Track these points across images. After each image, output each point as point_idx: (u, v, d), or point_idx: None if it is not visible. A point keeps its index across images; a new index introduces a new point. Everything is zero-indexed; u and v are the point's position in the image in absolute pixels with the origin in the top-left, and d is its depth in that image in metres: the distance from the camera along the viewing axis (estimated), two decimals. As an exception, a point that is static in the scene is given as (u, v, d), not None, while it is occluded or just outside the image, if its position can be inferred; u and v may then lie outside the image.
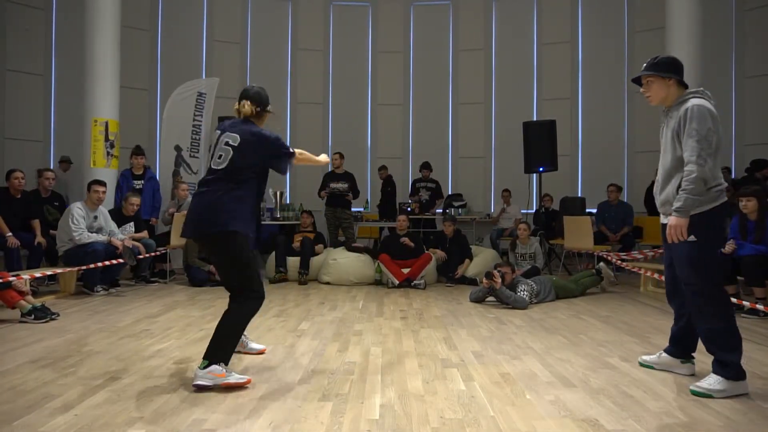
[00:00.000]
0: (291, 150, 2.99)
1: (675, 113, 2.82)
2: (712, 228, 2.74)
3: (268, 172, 3.05)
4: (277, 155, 2.95)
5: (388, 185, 9.51)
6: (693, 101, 2.76)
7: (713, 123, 2.69)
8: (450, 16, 11.08)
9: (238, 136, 2.90)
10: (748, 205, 5.02)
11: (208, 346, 2.80)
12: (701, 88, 2.86)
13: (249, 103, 3.02)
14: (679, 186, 2.74)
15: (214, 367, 2.74)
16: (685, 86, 2.89)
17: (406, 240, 6.87)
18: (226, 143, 2.91)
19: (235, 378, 2.78)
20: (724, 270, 5.05)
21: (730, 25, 9.32)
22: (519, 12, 10.81)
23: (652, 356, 3.20)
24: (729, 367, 2.68)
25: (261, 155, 2.93)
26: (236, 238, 2.82)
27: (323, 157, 3.29)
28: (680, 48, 6.72)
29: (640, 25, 9.88)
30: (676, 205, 2.71)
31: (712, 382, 2.69)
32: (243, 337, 3.15)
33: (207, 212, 2.84)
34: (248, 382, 2.80)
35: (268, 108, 3.10)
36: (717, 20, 8.87)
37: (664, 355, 3.12)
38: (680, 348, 3.07)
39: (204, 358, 2.78)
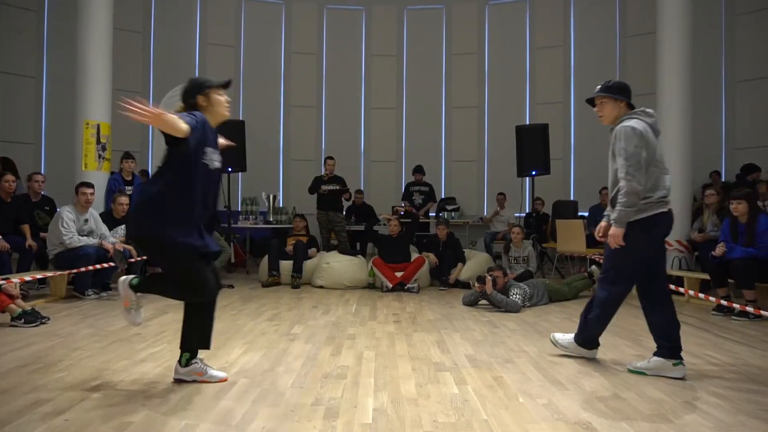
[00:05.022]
0: (187, 123, 2.52)
1: (612, 133, 3.06)
2: (646, 232, 2.96)
3: (192, 156, 2.64)
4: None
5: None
6: (624, 123, 2.98)
7: (639, 141, 2.90)
8: (443, 20, 11.12)
9: None
10: (738, 208, 5.07)
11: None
12: (641, 108, 3.06)
13: (180, 104, 2.78)
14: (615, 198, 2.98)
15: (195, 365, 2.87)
16: (632, 108, 3.09)
17: (395, 223, 6.95)
18: None
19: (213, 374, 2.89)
20: (715, 273, 5.13)
21: (721, 29, 9.40)
22: (512, 16, 10.86)
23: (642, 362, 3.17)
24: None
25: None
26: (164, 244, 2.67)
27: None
28: (671, 52, 6.74)
29: (631, 30, 9.94)
30: (613, 216, 2.96)
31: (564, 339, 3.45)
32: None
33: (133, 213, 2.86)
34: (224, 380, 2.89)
35: (192, 98, 2.73)
36: (708, 25, 8.93)
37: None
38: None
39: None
